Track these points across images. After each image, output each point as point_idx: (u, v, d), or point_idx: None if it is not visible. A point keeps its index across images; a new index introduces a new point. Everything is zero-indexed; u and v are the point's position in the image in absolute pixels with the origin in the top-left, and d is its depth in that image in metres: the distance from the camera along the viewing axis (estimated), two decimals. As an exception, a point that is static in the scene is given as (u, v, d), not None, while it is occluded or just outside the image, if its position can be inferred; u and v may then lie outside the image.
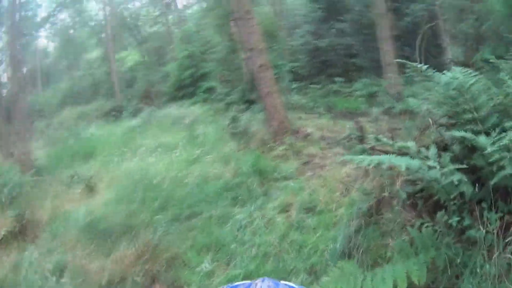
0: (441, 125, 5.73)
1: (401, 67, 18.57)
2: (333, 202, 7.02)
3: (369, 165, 4.45)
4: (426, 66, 5.17)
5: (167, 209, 7.84)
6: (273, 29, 27.47)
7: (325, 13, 26.26)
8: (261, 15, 12.80)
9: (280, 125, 12.13)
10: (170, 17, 36.92)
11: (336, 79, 23.05)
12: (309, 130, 12.40)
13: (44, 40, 44.41)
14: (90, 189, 10.31)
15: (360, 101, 18.79)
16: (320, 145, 11.42)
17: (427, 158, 4.47)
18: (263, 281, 1.36)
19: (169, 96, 26.86)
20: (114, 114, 26.26)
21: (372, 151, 6.29)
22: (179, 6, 36.99)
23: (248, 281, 1.38)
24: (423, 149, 4.87)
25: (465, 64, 18.05)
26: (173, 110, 20.81)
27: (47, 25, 39.92)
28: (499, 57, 5.67)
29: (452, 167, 4.08)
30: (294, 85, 21.97)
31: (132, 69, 36.54)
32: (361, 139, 9.65)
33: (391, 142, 5.39)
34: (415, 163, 4.13)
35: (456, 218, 4.09)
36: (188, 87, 25.57)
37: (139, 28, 38.13)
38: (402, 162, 4.10)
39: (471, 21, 17.07)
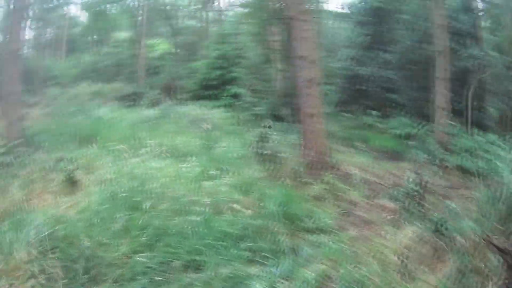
0: None
1: (455, 113, 16.84)
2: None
3: None
4: None
5: (156, 248, 5.57)
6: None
7: (371, 41, 24.72)
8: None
9: (319, 157, 10.06)
10: (209, 14, 35.47)
11: (372, 112, 21.78)
12: (350, 168, 10.33)
13: (76, 8, 43.45)
14: (72, 183, 8.28)
15: (396, 141, 17.22)
16: (363, 192, 9.29)
17: None
18: None
19: (192, 93, 25.70)
20: (133, 99, 24.55)
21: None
22: (221, 5, 35.34)
23: None
24: None
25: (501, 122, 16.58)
26: (194, 109, 19.15)
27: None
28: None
29: None
30: (326, 110, 20.36)
31: (161, 58, 35.33)
32: (421, 199, 7.65)
33: None
34: None
35: None
36: (214, 88, 24.37)
37: (176, 18, 36.70)
38: None
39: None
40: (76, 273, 4.80)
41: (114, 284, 4.72)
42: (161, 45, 37.92)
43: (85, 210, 6.48)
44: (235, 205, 6.78)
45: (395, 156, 14.78)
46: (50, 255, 5.11)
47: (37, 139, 11.89)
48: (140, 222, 6.00)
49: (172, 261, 5.32)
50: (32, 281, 4.77)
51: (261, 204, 7.08)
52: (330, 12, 34.86)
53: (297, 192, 8.24)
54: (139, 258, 5.26)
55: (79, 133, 12.52)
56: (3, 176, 8.26)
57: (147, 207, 6.31)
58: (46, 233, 5.43)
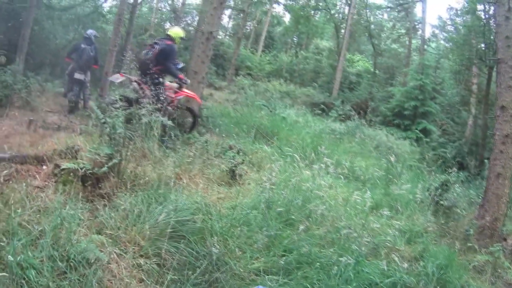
0: None
1: None
2: None
3: None
4: None
5: (292, 276, 4.74)
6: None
7: None
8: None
9: (493, 224, 8.43)
10: (413, 41, 34.58)
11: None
12: (515, 243, 9.05)
13: (280, 8, 44.60)
14: (232, 176, 7.82)
15: None
16: (519, 271, 7.97)
17: None
18: None
19: (383, 118, 25.40)
20: (321, 108, 24.32)
21: None
22: (426, 34, 34.12)
23: None
24: None
25: None
26: (381, 134, 18.61)
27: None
28: None
29: None
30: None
31: (358, 75, 35.21)
32: None
33: None
34: None
35: None
36: (406, 118, 23.95)
37: (379, 38, 36.30)
38: None
39: None
40: (192, 272, 4.35)
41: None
42: (360, 62, 37.67)
43: (233, 208, 5.92)
44: (393, 254, 5.90)
45: None
46: (173, 243, 4.70)
47: (211, 121, 11.95)
48: (286, 242, 5.28)
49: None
50: (142, 260, 4.42)
51: (420, 262, 6.05)
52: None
53: (460, 257, 7.21)
54: (268, 280, 4.58)
55: (257, 128, 12.14)
56: (163, 147, 8.09)
57: (301, 229, 5.47)
58: (180, 218, 5.01)
